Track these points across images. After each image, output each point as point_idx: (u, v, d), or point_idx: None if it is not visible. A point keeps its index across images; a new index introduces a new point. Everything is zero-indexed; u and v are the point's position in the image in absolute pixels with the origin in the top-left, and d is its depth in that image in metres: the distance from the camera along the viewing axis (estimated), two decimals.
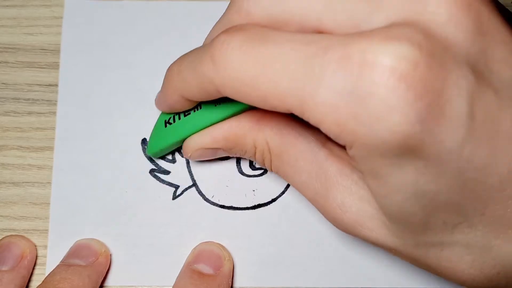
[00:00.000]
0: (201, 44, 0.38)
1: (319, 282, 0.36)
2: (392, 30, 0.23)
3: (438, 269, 0.28)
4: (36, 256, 0.36)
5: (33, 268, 0.36)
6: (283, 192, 0.36)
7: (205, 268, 0.34)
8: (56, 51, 0.38)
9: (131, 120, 0.37)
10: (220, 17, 0.30)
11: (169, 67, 0.31)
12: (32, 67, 0.38)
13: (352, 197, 0.28)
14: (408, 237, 0.27)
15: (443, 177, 0.24)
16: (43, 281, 0.33)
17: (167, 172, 0.37)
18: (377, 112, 0.22)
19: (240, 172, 0.37)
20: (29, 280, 0.35)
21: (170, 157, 0.37)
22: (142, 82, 0.38)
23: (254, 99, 0.26)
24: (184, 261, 0.35)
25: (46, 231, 0.36)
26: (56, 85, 0.38)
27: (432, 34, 0.23)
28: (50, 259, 0.36)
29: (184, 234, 0.36)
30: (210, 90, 0.27)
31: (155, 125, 0.35)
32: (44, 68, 0.38)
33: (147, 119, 0.37)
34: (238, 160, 0.37)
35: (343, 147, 0.28)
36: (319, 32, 0.25)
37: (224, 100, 0.31)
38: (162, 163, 0.37)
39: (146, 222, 0.36)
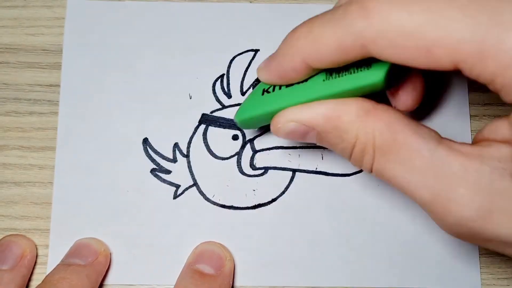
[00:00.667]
0: (201, 46, 0.38)
1: (319, 282, 0.36)
2: None
3: None
4: (37, 255, 0.36)
5: (34, 268, 0.36)
6: (283, 192, 0.37)
7: (206, 268, 0.34)
8: (57, 51, 0.39)
9: (132, 120, 0.37)
10: None
11: (293, 30, 0.28)
12: (33, 67, 0.38)
13: (484, 193, 0.25)
14: None
15: None
16: (42, 281, 0.33)
17: (168, 172, 0.37)
18: None
19: (240, 172, 0.37)
20: (30, 279, 0.36)
21: (171, 156, 0.37)
22: (144, 83, 0.38)
23: (413, 52, 0.23)
24: (184, 261, 0.35)
25: (47, 230, 0.36)
26: (57, 85, 0.38)
27: None
28: (51, 259, 0.36)
29: (184, 233, 0.36)
30: (353, 48, 0.25)
31: (252, 93, 0.33)
32: (45, 68, 0.38)
33: (148, 119, 0.37)
34: (239, 160, 0.37)
35: (464, 143, 0.27)
36: None
37: (337, 75, 0.28)
38: (163, 163, 0.37)
39: (147, 222, 0.36)
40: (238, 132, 0.37)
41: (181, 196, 0.37)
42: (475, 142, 0.28)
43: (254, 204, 0.36)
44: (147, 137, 0.37)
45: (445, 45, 0.23)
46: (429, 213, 0.27)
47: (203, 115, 0.37)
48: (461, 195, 0.25)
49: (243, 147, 0.37)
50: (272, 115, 0.30)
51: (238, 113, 0.33)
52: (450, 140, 0.27)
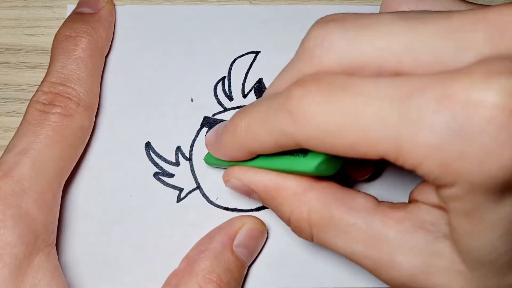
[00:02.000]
0: (202, 48, 0.38)
1: (320, 283, 0.36)
2: (492, 64, 0.22)
3: None
4: None
5: None
6: None
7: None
8: None
9: (134, 124, 0.37)
10: (288, 65, 0.29)
11: (232, 121, 0.30)
12: (33, 67, 0.38)
13: (421, 256, 0.27)
14: (490, 282, 0.26)
15: None
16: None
17: (171, 175, 0.37)
18: (487, 149, 0.22)
19: None
20: None
21: (173, 160, 0.37)
22: (146, 85, 0.38)
23: (340, 149, 0.25)
24: None
25: None
26: None
27: None
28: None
29: (188, 236, 0.36)
30: (289, 144, 0.27)
31: None
32: (45, 69, 0.38)
33: (150, 123, 0.37)
34: None
35: (398, 206, 0.28)
36: (398, 74, 0.25)
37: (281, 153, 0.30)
38: (166, 166, 0.37)
39: (150, 225, 0.36)
40: None
41: (185, 199, 0.37)
42: (410, 200, 0.29)
43: (257, 206, 0.37)
44: (150, 141, 0.37)
45: (366, 144, 0.24)
46: (376, 276, 0.29)
47: (205, 118, 0.38)
48: (399, 261, 0.27)
49: None
50: (228, 166, 0.32)
51: (206, 156, 0.35)
52: (387, 205, 0.28)
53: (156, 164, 0.37)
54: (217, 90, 0.38)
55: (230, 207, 0.37)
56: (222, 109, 0.38)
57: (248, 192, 0.31)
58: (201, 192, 0.37)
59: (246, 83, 0.38)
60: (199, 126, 0.37)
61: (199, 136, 0.37)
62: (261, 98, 0.30)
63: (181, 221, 0.37)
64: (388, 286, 0.29)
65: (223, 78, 0.38)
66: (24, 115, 0.33)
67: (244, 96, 0.38)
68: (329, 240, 0.29)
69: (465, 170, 0.23)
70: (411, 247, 0.27)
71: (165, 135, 0.37)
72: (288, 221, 0.30)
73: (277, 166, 0.30)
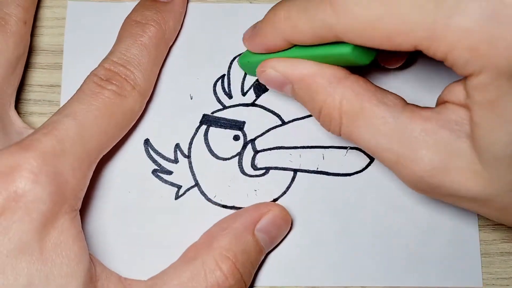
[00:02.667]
0: (201, 47, 0.38)
1: (321, 281, 0.36)
2: None
3: None
4: None
5: None
6: (284, 192, 0.37)
7: None
8: (57, 52, 0.39)
9: None
10: None
11: (273, 10, 0.31)
12: (33, 67, 0.39)
13: (442, 153, 0.28)
14: (505, 181, 0.27)
15: None
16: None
17: (169, 172, 0.37)
18: None
19: (242, 172, 0.37)
20: None
21: (172, 157, 0.37)
22: None
23: (377, 40, 0.27)
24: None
25: None
26: (58, 86, 0.38)
27: None
28: None
29: (186, 233, 0.36)
30: (327, 36, 0.28)
31: None
32: (45, 69, 0.38)
33: (149, 120, 0.37)
34: (240, 160, 0.37)
35: (425, 108, 0.30)
36: None
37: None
38: (164, 163, 0.37)
39: (148, 222, 0.36)
40: (239, 133, 0.37)
41: (183, 196, 0.37)
42: (437, 104, 0.31)
43: None
44: (148, 138, 0.37)
45: (401, 33, 0.26)
46: (395, 172, 0.30)
47: (204, 115, 0.38)
48: (421, 156, 0.28)
49: (244, 147, 0.37)
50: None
51: (240, 56, 0.36)
52: (414, 106, 0.30)
53: (154, 161, 0.37)
54: (217, 88, 0.38)
55: (228, 204, 0.37)
56: (221, 107, 0.38)
57: (282, 83, 0.32)
58: (199, 190, 0.37)
59: (245, 81, 0.38)
60: (198, 124, 0.37)
61: (198, 133, 0.37)
62: None
63: (179, 218, 0.36)
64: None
65: (222, 76, 0.38)
66: (81, 85, 0.34)
67: (243, 94, 0.38)
68: (356, 132, 0.30)
69: (494, 55, 0.24)
70: (434, 144, 0.28)
71: (164, 132, 0.37)
72: (319, 111, 0.31)
73: (313, 53, 0.31)
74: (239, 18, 0.39)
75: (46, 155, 0.29)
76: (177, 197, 0.37)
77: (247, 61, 0.35)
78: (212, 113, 0.38)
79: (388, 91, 0.31)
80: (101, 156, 0.34)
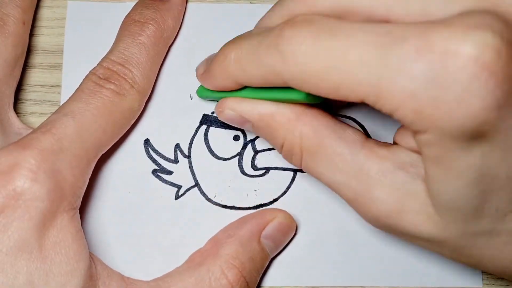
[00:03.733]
0: (201, 47, 0.38)
1: (321, 281, 0.36)
2: (472, 18, 0.24)
3: (481, 260, 0.29)
4: None
5: None
6: (284, 192, 0.37)
7: None
8: (57, 52, 0.39)
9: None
10: (280, 1, 0.30)
11: (222, 51, 0.31)
12: (33, 67, 0.38)
13: (397, 194, 0.28)
14: (456, 227, 0.27)
15: (505, 162, 0.25)
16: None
17: (169, 173, 0.37)
18: (459, 98, 0.23)
19: (242, 172, 0.37)
20: None
21: (172, 157, 0.37)
22: None
23: (324, 90, 0.26)
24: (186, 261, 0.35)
25: None
26: (58, 86, 0.38)
27: (510, 23, 0.24)
28: None
29: (186, 234, 0.36)
30: (276, 81, 0.28)
31: None
32: (45, 69, 0.38)
33: (149, 120, 0.37)
34: (240, 160, 0.37)
35: (384, 145, 0.30)
36: (386, 22, 0.26)
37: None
38: (164, 163, 0.37)
39: (148, 222, 0.36)
40: (239, 133, 0.37)
41: (183, 196, 0.37)
42: (394, 142, 0.31)
43: (255, 204, 0.37)
44: (148, 138, 0.37)
45: (348, 87, 0.26)
46: (353, 208, 0.30)
47: (204, 115, 0.38)
48: (377, 196, 0.29)
49: (244, 147, 0.37)
50: (219, 98, 0.33)
51: (198, 89, 0.36)
52: (373, 142, 0.30)
53: (154, 161, 0.37)
54: None
55: (228, 204, 0.37)
56: None
57: (241, 122, 0.32)
58: (199, 190, 0.37)
59: None
60: (198, 124, 0.37)
61: (198, 133, 0.37)
62: (251, 31, 0.31)
63: (179, 218, 0.36)
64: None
65: None
66: (80, 84, 0.34)
67: None
68: (316, 167, 0.31)
69: (437, 117, 0.24)
70: (390, 185, 0.28)
71: (164, 133, 0.37)
72: (281, 147, 0.31)
73: (266, 95, 0.31)
74: (239, 18, 0.39)
75: (44, 153, 0.29)
76: (177, 197, 0.37)
77: (205, 95, 0.35)
78: (212, 113, 0.38)
79: (347, 125, 0.31)
80: (100, 154, 0.34)
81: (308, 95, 0.29)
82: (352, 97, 0.26)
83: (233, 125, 0.34)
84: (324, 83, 0.26)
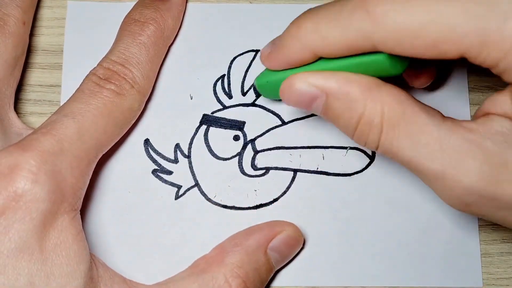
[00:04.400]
0: (201, 47, 0.38)
1: (321, 281, 0.36)
2: None
3: None
4: None
5: None
6: (284, 192, 0.37)
7: None
8: (57, 52, 0.39)
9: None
10: None
11: (296, 23, 0.29)
12: (33, 67, 0.39)
13: (491, 164, 0.27)
14: None
15: None
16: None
17: (169, 172, 0.37)
18: None
19: (242, 172, 0.37)
20: None
21: (172, 157, 0.37)
22: None
23: (420, 48, 0.25)
24: (186, 261, 0.35)
25: None
26: (58, 86, 0.38)
27: None
28: None
29: (186, 234, 0.36)
30: (363, 46, 0.27)
31: None
32: (45, 69, 0.38)
33: (149, 120, 0.37)
34: (240, 160, 0.37)
35: (466, 120, 0.29)
36: None
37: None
38: (164, 163, 0.37)
39: (148, 222, 0.36)
40: (239, 133, 0.37)
41: (183, 196, 0.37)
42: (475, 118, 0.30)
43: (255, 204, 0.37)
44: (148, 138, 0.37)
45: (450, 40, 0.25)
46: (436, 185, 0.28)
47: (204, 115, 0.38)
48: (470, 166, 0.27)
49: (244, 147, 0.37)
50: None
51: (258, 77, 0.34)
52: (453, 119, 0.29)
53: (154, 161, 0.37)
54: (217, 88, 0.38)
55: (228, 204, 0.37)
56: (221, 107, 0.38)
57: (312, 98, 0.30)
58: (199, 190, 0.37)
59: (245, 81, 0.38)
60: (198, 124, 0.37)
61: (198, 133, 0.37)
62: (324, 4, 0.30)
63: (179, 218, 0.36)
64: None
65: (222, 76, 0.38)
66: (80, 85, 0.34)
67: (243, 94, 0.38)
68: (396, 141, 0.28)
69: None
70: (481, 155, 0.27)
71: (164, 132, 0.37)
72: (357, 121, 0.29)
73: (342, 65, 0.29)
74: (239, 18, 0.39)
75: (45, 155, 0.29)
76: (177, 197, 0.37)
77: (266, 81, 0.33)
78: (212, 113, 0.38)
79: (425, 104, 0.30)
80: (101, 155, 0.34)
81: (389, 58, 0.28)
82: (452, 51, 0.25)
83: (300, 107, 0.31)
84: (421, 39, 0.25)
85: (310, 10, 0.30)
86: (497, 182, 0.27)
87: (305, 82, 0.30)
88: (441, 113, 0.29)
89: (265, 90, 0.35)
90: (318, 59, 0.30)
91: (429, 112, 0.29)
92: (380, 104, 0.28)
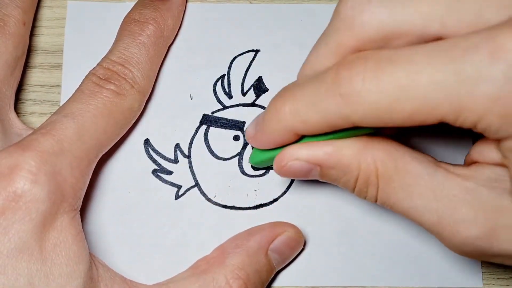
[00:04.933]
0: (201, 47, 0.38)
1: (321, 281, 0.36)
2: None
3: None
4: None
5: None
6: (284, 192, 0.37)
7: None
8: (57, 52, 0.39)
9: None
10: (323, 37, 0.29)
11: (273, 106, 0.29)
12: (33, 67, 0.39)
13: (486, 212, 0.27)
14: None
15: None
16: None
17: (169, 173, 0.37)
18: None
19: (242, 172, 0.37)
20: None
21: (172, 157, 0.37)
22: None
23: (398, 121, 0.26)
24: (186, 261, 0.35)
25: None
26: (58, 86, 0.38)
27: None
28: None
29: (186, 234, 0.36)
30: (344, 125, 0.27)
31: None
32: (45, 69, 0.38)
33: (149, 120, 0.37)
34: (240, 160, 0.37)
35: (458, 166, 0.29)
36: (440, 39, 0.26)
37: None
38: (164, 163, 0.37)
39: (148, 222, 0.36)
40: (239, 133, 0.37)
41: (183, 196, 0.37)
42: (466, 164, 0.30)
43: (255, 204, 0.37)
44: (149, 138, 0.37)
45: (424, 112, 0.25)
46: (436, 235, 0.29)
47: (204, 115, 0.38)
48: (465, 215, 0.27)
49: (244, 147, 0.37)
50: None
51: (251, 156, 0.34)
52: (446, 163, 0.29)
53: (154, 161, 0.37)
54: (217, 88, 0.38)
55: (228, 204, 0.37)
56: (221, 107, 0.38)
57: (307, 170, 0.30)
58: (199, 190, 0.37)
59: (245, 81, 0.38)
60: (198, 124, 0.37)
61: (198, 133, 0.37)
62: (301, 79, 0.30)
63: (179, 219, 0.36)
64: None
65: (222, 76, 0.38)
66: (79, 85, 0.34)
67: (244, 94, 0.38)
68: (393, 194, 0.29)
69: None
70: (476, 203, 0.27)
71: (164, 132, 0.37)
72: (355, 182, 0.29)
73: (328, 137, 0.29)
74: (239, 18, 0.39)
75: (44, 155, 0.29)
76: (177, 197, 0.37)
77: (260, 160, 0.33)
78: (212, 113, 0.38)
79: (416, 150, 0.30)
80: (101, 155, 0.34)
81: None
82: (430, 120, 0.25)
83: (298, 179, 0.32)
84: (397, 114, 0.25)
85: (287, 88, 0.30)
86: (492, 231, 0.27)
87: (296, 160, 0.30)
88: (434, 159, 0.29)
89: (262, 166, 0.35)
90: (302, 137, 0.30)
91: (421, 161, 0.29)
92: (373, 162, 0.29)
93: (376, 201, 0.30)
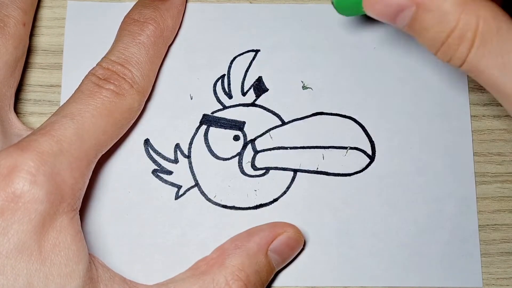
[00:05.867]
0: (201, 47, 0.38)
1: (321, 281, 0.36)
2: None
3: None
4: None
5: None
6: (284, 192, 0.37)
7: None
8: (57, 52, 0.39)
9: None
10: None
11: None
12: (33, 67, 0.39)
13: None
14: None
15: None
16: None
17: (169, 173, 0.37)
18: None
19: (242, 172, 0.37)
20: None
21: (172, 157, 0.37)
22: None
23: None
24: (186, 261, 0.35)
25: None
26: (58, 86, 0.38)
27: None
28: None
29: (186, 234, 0.36)
30: None
31: None
32: (45, 69, 0.38)
33: (149, 120, 0.37)
34: (240, 160, 0.37)
35: None
36: None
37: None
38: (164, 163, 0.37)
39: (149, 222, 0.36)
40: (239, 133, 0.37)
41: (183, 196, 0.37)
42: None
43: (255, 204, 0.37)
44: (149, 138, 0.37)
45: None
46: None
47: (204, 115, 0.38)
48: None
49: (244, 147, 0.37)
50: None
51: None
52: None
53: (154, 161, 0.37)
54: (217, 88, 0.38)
55: (228, 204, 0.37)
56: (221, 107, 0.38)
57: (401, 8, 0.28)
58: (199, 190, 0.37)
59: (245, 81, 0.38)
60: (198, 124, 0.37)
61: (198, 133, 0.37)
62: None
63: (179, 218, 0.36)
64: None
65: (222, 76, 0.38)
66: (79, 85, 0.34)
67: (244, 94, 0.38)
68: (486, 59, 0.27)
69: None
70: None
71: (164, 132, 0.37)
72: (447, 35, 0.27)
73: None
74: (239, 18, 0.39)
75: (43, 155, 0.29)
76: (177, 197, 0.37)
77: None
78: (212, 113, 0.38)
79: None
80: (100, 155, 0.34)
81: None
82: None
83: (384, 19, 0.28)
84: None
85: None
86: None
87: None
88: None
89: (345, 6, 0.31)
90: None
91: None
92: (475, 18, 0.27)
93: (462, 64, 0.28)
